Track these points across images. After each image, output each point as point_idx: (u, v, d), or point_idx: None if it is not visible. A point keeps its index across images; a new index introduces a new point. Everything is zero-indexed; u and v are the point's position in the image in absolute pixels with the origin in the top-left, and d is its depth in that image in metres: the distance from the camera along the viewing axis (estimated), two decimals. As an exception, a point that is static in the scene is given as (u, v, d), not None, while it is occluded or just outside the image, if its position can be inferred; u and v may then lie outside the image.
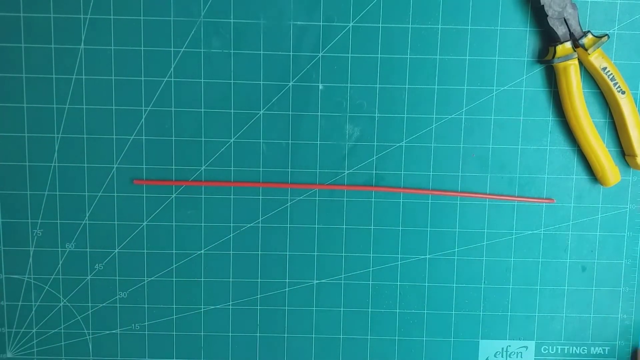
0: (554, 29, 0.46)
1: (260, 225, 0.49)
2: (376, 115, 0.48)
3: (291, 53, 0.47)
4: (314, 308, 0.50)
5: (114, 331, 0.50)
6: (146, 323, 0.49)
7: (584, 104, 0.47)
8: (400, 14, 0.46)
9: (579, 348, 0.50)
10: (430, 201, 0.49)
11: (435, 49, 0.47)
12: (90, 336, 0.49)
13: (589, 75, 0.48)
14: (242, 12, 0.46)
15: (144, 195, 0.48)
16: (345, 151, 0.48)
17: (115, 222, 0.48)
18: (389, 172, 0.48)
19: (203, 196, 0.48)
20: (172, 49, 0.46)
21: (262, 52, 0.47)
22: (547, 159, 0.49)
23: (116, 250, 0.49)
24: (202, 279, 0.49)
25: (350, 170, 0.48)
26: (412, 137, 0.48)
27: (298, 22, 0.46)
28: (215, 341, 0.50)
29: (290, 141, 0.48)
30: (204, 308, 0.50)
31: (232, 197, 0.48)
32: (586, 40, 0.46)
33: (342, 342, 0.50)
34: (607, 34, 0.46)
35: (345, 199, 0.48)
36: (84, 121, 0.47)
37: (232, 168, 0.48)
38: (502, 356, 0.50)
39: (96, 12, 0.46)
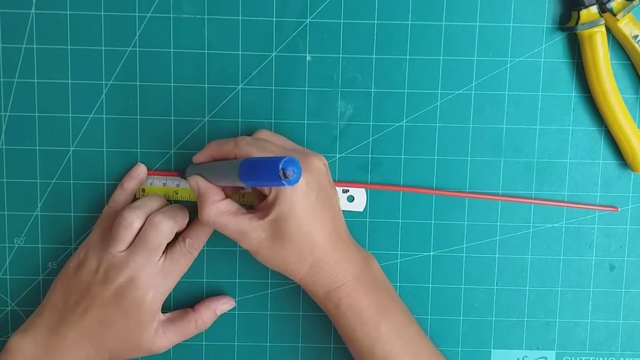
0: (578, -10, 0.46)
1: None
2: (372, 90, 0.47)
3: (274, 19, 0.46)
4: (300, 313, 0.49)
5: (70, 339, 0.49)
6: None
7: (612, 78, 0.46)
8: (400, -26, 0.47)
9: (606, 359, 0.50)
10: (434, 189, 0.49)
11: (441, 13, 0.46)
12: (43, 345, 0.49)
13: (618, 45, 0.47)
14: (217, -29, 0.46)
15: (105, 182, 0.47)
16: (337, 132, 0.47)
17: (72, 214, 0.47)
18: (386, 156, 0.48)
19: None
20: (136, 14, 0.46)
21: (240, 17, 0.46)
22: (570, 141, 0.48)
23: (72, 246, 0.48)
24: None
25: (343, 154, 0.48)
26: (414, 116, 0.47)
27: (282, -17, 0.47)
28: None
29: (273, 120, 0.47)
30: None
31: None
32: (615, 4, 0.45)
33: (332, 351, 0.49)
34: (639, -3, 0.46)
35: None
36: (36, 97, 0.46)
37: (206, 151, 0.48)
38: (517, 368, 0.51)
39: (49, -29, 0.46)
